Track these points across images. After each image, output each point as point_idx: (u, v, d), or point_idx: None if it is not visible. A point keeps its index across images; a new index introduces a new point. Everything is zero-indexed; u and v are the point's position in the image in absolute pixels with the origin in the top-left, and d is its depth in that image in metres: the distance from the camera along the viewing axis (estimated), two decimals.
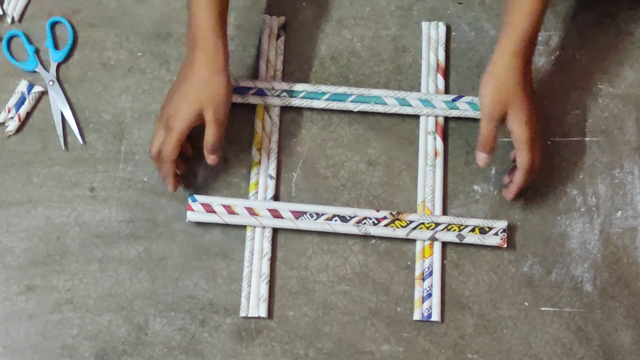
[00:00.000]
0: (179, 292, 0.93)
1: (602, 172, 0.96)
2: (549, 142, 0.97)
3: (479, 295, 0.93)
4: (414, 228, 0.92)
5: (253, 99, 0.97)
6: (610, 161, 0.96)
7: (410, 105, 0.96)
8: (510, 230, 0.94)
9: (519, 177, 0.89)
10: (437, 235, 0.92)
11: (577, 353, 0.91)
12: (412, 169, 0.96)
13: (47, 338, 0.91)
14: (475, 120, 0.97)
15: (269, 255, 0.93)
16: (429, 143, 0.96)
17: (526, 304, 0.92)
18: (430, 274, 0.92)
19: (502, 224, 0.92)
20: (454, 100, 0.96)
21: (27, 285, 0.93)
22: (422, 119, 0.97)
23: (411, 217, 0.93)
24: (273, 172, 0.95)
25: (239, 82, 0.97)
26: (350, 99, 0.97)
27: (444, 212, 0.95)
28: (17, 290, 0.93)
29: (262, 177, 0.95)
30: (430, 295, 0.92)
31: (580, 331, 0.92)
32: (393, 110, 0.96)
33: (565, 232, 0.94)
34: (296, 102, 0.97)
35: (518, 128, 0.87)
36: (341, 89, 0.97)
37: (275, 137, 0.97)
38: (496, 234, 0.92)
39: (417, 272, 0.92)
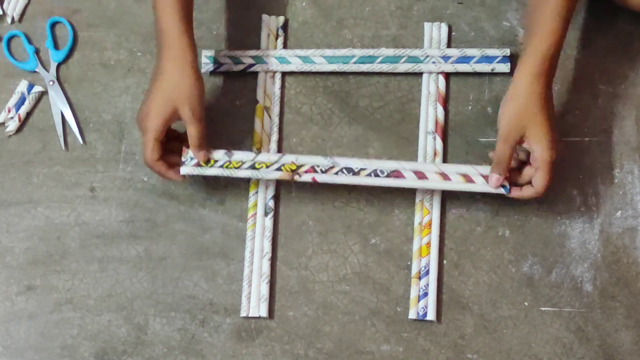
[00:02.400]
0: (179, 292, 0.93)
1: (602, 172, 0.96)
2: None
3: (479, 295, 0.93)
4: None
5: (255, 67, 0.98)
6: (610, 161, 0.96)
7: (419, 61, 0.98)
8: (505, 229, 0.94)
9: (529, 193, 0.88)
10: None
11: (577, 353, 0.91)
12: None
13: (47, 338, 0.91)
14: (476, 114, 0.97)
15: (269, 255, 0.93)
16: (429, 143, 0.96)
17: (526, 304, 0.92)
18: (427, 273, 0.92)
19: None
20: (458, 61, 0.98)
21: (27, 285, 0.93)
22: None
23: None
24: None
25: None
26: (353, 60, 0.98)
27: (442, 213, 0.94)
28: (17, 290, 0.93)
29: None
30: (426, 294, 0.92)
31: (580, 331, 0.92)
32: (402, 69, 0.98)
33: (565, 232, 0.94)
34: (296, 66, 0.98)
35: (539, 150, 0.85)
36: (343, 51, 0.99)
37: (275, 137, 0.96)
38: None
39: (414, 271, 0.92)
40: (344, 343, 0.91)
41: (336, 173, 0.90)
